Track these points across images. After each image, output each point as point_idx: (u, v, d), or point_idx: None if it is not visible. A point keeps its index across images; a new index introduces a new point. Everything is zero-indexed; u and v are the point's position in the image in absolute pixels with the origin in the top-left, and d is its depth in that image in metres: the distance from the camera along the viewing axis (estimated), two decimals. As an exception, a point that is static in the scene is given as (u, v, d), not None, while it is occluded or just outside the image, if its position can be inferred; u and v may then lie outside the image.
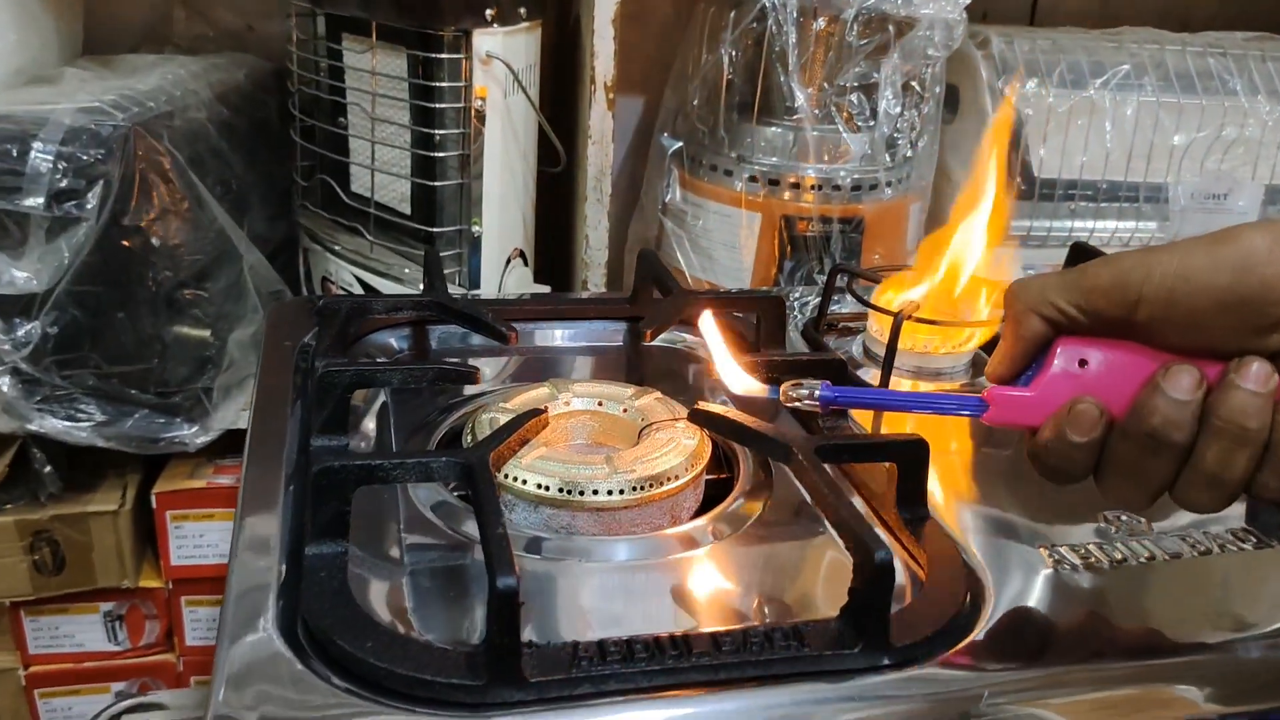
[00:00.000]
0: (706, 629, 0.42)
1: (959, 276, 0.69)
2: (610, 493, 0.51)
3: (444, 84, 0.84)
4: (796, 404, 0.48)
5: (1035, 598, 0.47)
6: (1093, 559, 0.49)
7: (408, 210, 0.91)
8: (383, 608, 0.44)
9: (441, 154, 0.86)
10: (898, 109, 0.91)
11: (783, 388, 0.48)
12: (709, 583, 0.49)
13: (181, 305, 0.86)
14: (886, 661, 0.42)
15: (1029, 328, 0.44)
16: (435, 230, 0.88)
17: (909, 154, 0.94)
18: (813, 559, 0.51)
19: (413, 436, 0.59)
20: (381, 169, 0.90)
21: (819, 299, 0.90)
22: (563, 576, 0.48)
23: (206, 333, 0.88)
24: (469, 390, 0.65)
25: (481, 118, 0.86)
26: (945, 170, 1.03)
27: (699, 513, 0.54)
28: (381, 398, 0.63)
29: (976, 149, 1.01)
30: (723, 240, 0.96)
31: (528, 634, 0.40)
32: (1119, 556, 0.50)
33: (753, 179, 0.95)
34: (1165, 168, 1.03)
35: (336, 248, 0.95)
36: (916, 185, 0.98)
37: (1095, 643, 0.45)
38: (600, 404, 0.59)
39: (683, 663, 0.40)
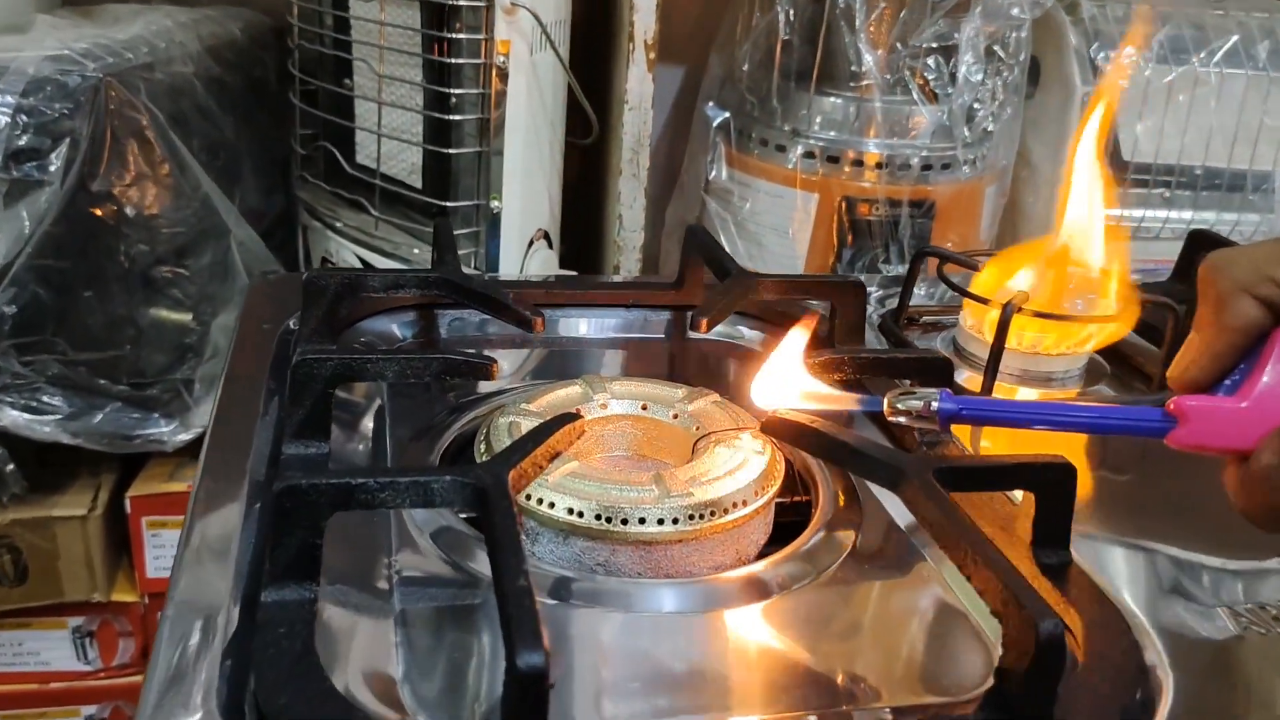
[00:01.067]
0: (798, 714, 0.31)
1: (1071, 264, 0.58)
2: (661, 522, 0.40)
3: (462, 35, 0.73)
4: (901, 418, 0.37)
5: (1225, 678, 0.35)
6: (1289, 622, 0.38)
7: (418, 183, 0.80)
8: (362, 677, 0.33)
9: (458, 117, 0.75)
10: (979, 76, 0.80)
11: (888, 398, 0.37)
12: (789, 644, 0.38)
13: (159, 284, 0.76)
14: (1049, 770, 0.30)
15: (1239, 313, 0.32)
16: (449, 205, 0.77)
17: (989, 128, 0.83)
18: (921, 611, 0.40)
19: (413, 444, 0.48)
20: (390, 134, 0.79)
21: (884, 290, 0.79)
22: (599, 631, 0.37)
23: (187, 316, 0.78)
24: (484, 388, 0.54)
25: (504, 76, 0.75)
26: (1025, 154, 0.91)
27: (769, 548, 0.43)
28: (380, 397, 0.52)
29: (1061, 126, 0.90)
30: (773, 224, 0.85)
31: (553, 715, 0.29)
32: (1326, 620, 0.38)
33: (809, 155, 0.83)
34: (1275, 153, 0.91)
35: (338, 224, 0.84)
36: (995, 165, 0.86)
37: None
38: (645, 408, 0.48)
39: (773, 772, 0.29)
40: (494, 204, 0.78)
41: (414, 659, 0.34)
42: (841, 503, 0.46)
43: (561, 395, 0.48)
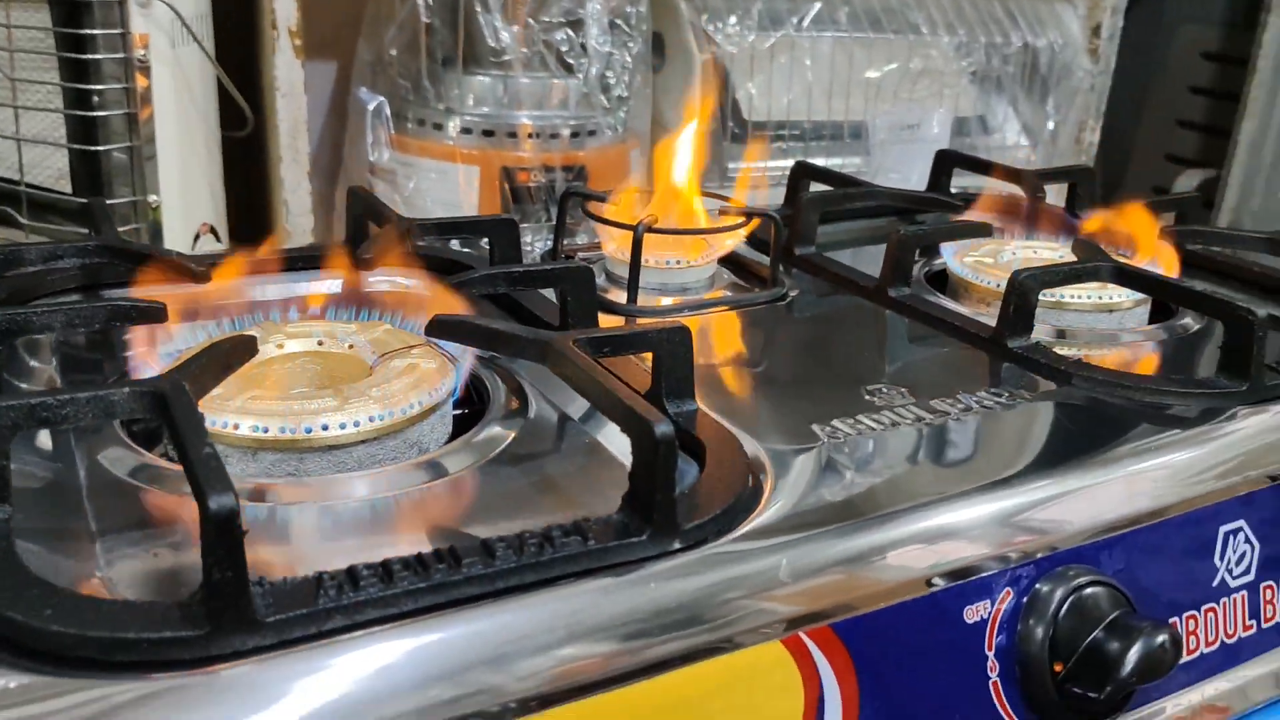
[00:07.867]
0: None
1: (686, 190, 0.67)
2: (344, 426, 0.44)
3: (97, 32, 0.74)
4: None
5: (814, 469, 0.45)
6: (863, 428, 0.48)
7: (68, 188, 0.79)
8: (67, 577, 0.35)
9: (103, 113, 0.75)
10: (607, 47, 0.89)
11: None
12: (471, 505, 0.43)
13: None
14: (677, 545, 0.38)
15: None
16: (106, 204, 0.77)
17: (623, 94, 0.92)
18: (583, 473, 0.47)
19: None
20: (32, 139, 0.78)
21: (539, 239, 0.86)
22: (296, 520, 0.41)
23: None
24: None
25: (146, 70, 0.75)
26: (660, 118, 1.02)
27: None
28: (48, 362, 0.52)
29: (688, 90, 1.01)
30: (440, 198, 0.90)
31: (258, 576, 0.33)
32: (889, 421, 0.48)
33: (466, 130, 0.89)
34: (863, 103, 1.07)
35: (-15, 238, 0.81)
36: (636, 129, 0.96)
37: (868, 503, 0.43)
38: (321, 343, 0.52)
39: (452, 575, 0.34)
40: (152, 198, 0.78)
41: (117, 560, 0.37)
42: (515, 406, 0.51)
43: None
